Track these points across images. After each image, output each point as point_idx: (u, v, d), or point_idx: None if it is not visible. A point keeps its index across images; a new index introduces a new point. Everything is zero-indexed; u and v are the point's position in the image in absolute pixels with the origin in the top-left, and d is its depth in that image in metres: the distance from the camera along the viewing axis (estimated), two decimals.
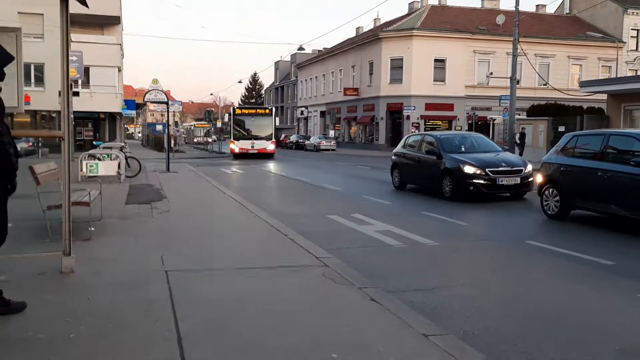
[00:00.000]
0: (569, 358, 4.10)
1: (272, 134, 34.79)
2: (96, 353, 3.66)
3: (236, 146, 34.09)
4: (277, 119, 37.58)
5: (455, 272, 6.55)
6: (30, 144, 31.22)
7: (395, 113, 45.62)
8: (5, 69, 4.52)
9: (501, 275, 6.55)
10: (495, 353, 4.02)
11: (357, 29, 64.61)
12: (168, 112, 23.35)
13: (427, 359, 3.67)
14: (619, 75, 39.96)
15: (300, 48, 50.50)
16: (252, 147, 33.38)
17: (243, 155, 33.48)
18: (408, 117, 43.50)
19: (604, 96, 27.27)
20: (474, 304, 5.30)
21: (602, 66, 48.03)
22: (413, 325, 4.30)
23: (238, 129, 34.82)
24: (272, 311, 4.60)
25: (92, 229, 7.91)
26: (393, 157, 16.27)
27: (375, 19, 62.36)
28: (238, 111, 36.58)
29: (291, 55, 74.12)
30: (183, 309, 4.53)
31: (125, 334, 4.00)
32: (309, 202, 13.23)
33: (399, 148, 16.34)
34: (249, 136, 34.30)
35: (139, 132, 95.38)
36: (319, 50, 67.24)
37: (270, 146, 34.17)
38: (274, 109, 37.02)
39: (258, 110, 37.82)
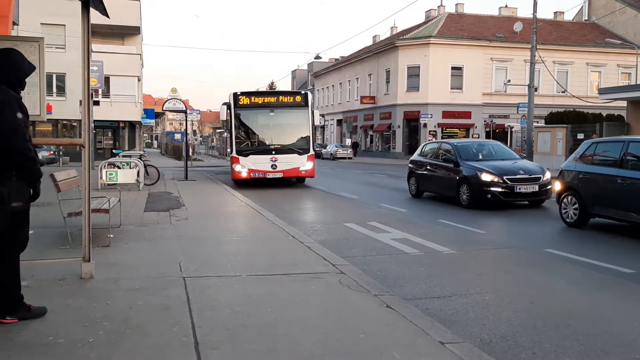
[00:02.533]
0: None
1: (308, 140, 18.87)
2: (114, 357, 3.70)
3: (242, 166, 18.31)
4: (317, 112, 20.11)
5: (472, 280, 6.51)
6: (52, 152, 31.71)
7: (412, 121, 45.51)
8: (28, 79, 4.64)
9: (519, 283, 6.50)
10: None
11: (374, 37, 64.74)
12: (187, 120, 23.58)
13: None
14: (638, 82, 39.48)
15: (317, 57, 50.84)
16: (274, 166, 18.19)
17: (254, 182, 18.88)
18: (425, 125, 43.36)
19: (624, 103, 26.96)
20: (491, 311, 5.27)
21: (622, 73, 47.46)
22: (429, 332, 4.28)
23: (244, 132, 19.08)
24: (288, 317, 4.62)
25: (111, 235, 8.00)
26: (410, 165, 16.24)
27: (392, 27, 62.44)
28: (244, 100, 18.85)
29: (308, 64, 74.45)
30: (200, 315, 4.58)
31: (143, 339, 4.04)
32: (326, 210, 13.25)
33: (415, 156, 16.31)
34: (266, 146, 18.61)
35: (156, 139, 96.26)
36: (336, 59, 67.44)
37: (306, 164, 18.56)
38: (309, 94, 19.81)
39: (282, 97, 19.51)
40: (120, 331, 4.18)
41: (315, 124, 19.54)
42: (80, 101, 6.63)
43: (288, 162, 18.34)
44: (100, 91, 31.30)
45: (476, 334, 4.60)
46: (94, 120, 25.24)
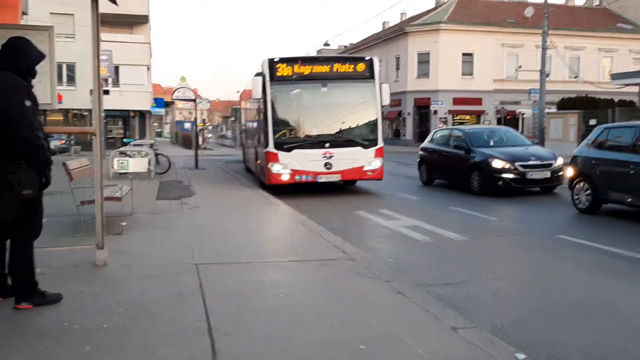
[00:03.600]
0: (600, 351, 4.04)
1: (375, 126, 13.45)
2: (128, 342, 3.74)
3: (283, 165, 12.86)
4: (387, 88, 13.45)
5: (483, 266, 6.50)
6: (63, 141, 31.89)
7: (423, 108, 45.23)
8: (39, 67, 4.65)
9: (531, 269, 6.49)
10: (525, 346, 3.99)
11: (384, 23, 64.26)
12: (196, 109, 23.60)
13: (456, 352, 3.66)
14: None
15: (326, 44, 50.37)
16: (329, 165, 12.81)
17: (297, 187, 13.16)
18: (435, 112, 43.11)
19: (636, 88, 26.64)
20: (503, 297, 5.26)
21: (634, 58, 46.81)
22: (441, 318, 4.29)
23: (284, 117, 13.32)
24: (300, 303, 4.65)
25: (124, 223, 8.06)
26: (420, 152, 16.17)
27: (401, 13, 61.98)
28: (284, 69, 12.96)
29: (317, 51, 74.09)
30: (213, 301, 4.61)
31: (157, 324, 4.08)
32: (336, 198, 13.24)
33: (426, 143, 16.24)
34: (317, 137, 13.08)
35: (168, 132, 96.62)
36: (345, 46, 67.10)
37: (373, 162, 13.30)
38: (375, 61, 13.71)
39: (338, 65, 13.32)
40: (134, 317, 4.22)
41: (385, 103, 13.29)
42: (91, 90, 6.66)
43: (348, 160, 12.77)
44: (110, 80, 31.40)
45: (488, 320, 4.59)
46: (104, 110, 25.36)
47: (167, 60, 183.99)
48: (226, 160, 27.55)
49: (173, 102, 55.12)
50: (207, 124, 71.89)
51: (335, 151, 12.59)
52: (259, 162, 14.66)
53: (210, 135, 68.11)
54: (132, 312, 4.31)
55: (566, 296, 5.33)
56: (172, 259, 6.13)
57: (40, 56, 4.52)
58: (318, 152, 12.55)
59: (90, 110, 27.10)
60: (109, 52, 24.83)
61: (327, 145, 12.62)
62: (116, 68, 33.70)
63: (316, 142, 12.71)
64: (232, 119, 54.00)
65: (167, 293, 4.85)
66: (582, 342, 4.19)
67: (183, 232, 7.85)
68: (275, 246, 6.93)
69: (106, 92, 25.32)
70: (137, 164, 15.15)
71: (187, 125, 36.99)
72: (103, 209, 5.68)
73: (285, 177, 12.59)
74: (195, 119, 24.16)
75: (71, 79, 35.98)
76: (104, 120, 29.20)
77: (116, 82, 36.74)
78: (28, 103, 4.19)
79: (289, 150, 12.58)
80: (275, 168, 12.58)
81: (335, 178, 12.89)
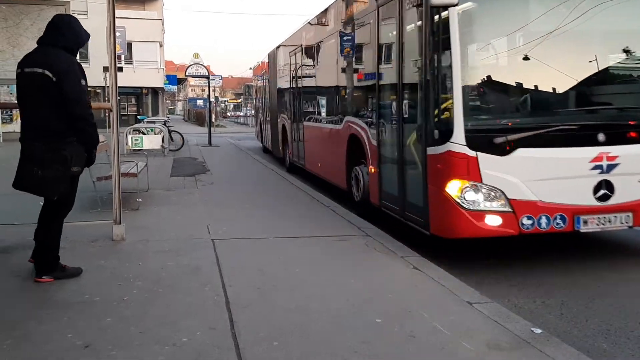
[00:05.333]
0: (618, 326, 4.04)
1: None
2: (148, 315, 3.80)
3: (491, 193, 5.01)
4: None
5: (498, 242, 6.47)
6: None
7: None
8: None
9: (552, 245, 6.44)
10: (541, 321, 4.00)
11: None
12: (209, 86, 23.60)
13: (472, 325, 3.68)
14: None
15: None
16: (605, 189, 5.08)
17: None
18: None
19: None
20: (520, 273, 5.25)
21: None
22: (457, 293, 4.31)
23: (484, 77, 5.35)
24: (316, 278, 4.68)
25: (140, 199, 8.13)
26: None
27: None
28: None
29: None
30: (230, 275, 4.66)
31: (176, 297, 4.14)
32: None
33: None
34: (572, 120, 5.32)
35: (180, 109, 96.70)
36: None
37: None
38: None
39: None
40: (153, 290, 4.28)
41: None
42: (105, 67, 6.67)
43: None
44: (122, 57, 31.36)
45: (504, 295, 4.60)
46: (118, 87, 25.40)
47: (180, 36, 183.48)
48: (239, 137, 27.56)
49: (186, 79, 55.17)
50: (230, 101, 71.70)
51: (619, 151, 5.18)
52: (331, 163, 9.13)
53: (236, 113, 67.82)
54: (152, 286, 4.38)
55: (583, 271, 5.29)
56: (188, 234, 6.19)
57: (88, 36, 4.59)
58: (580, 156, 5.17)
59: (103, 88, 27.21)
60: (121, 28, 24.72)
61: (602, 138, 5.16)
62: (129, 45, 33.63)
63: (575, 130, 5.26)
64: (245, 96, 53.79)
65: (185, 268, 4.90)
66: (599, 317, 4.18)
67: (198, 208, 7.91)
68: (290, 222, 6.95)
69: (119, 69, 25.33)
70: (151, 141, 15.26)
71: (200, 102, 37.01)
72: (120, 184, 5.74)
73: (494, 221, 5.14)
74: (209, 96, 24.17)
75: (84, 56, 35.94)
76: (118, 97, 29.30)
77: (129, 59, 36.72)
78: (83, 82, 4.30)
79: (505, 149, 5.06)
80: (470, 198, 5.08)
81: (620, 219, 5.28)
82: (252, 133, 25.25)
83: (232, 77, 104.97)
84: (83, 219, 6.47)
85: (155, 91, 42.93)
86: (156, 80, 40.31)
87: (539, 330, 3.61)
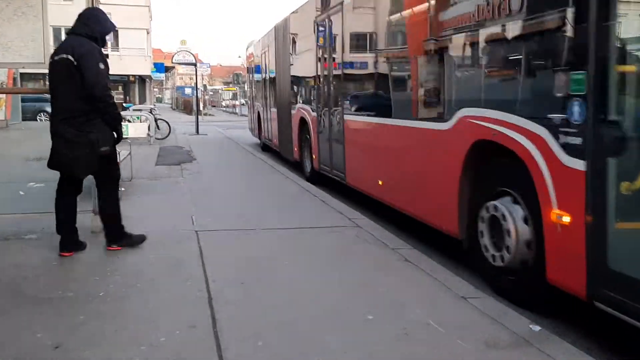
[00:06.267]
0: (619, 324, 3.87)
1: None
2: (125, 312, 3.59)
3: None
4: None
5: None
6: None
7: None
8: (32, 25, 5.22)
9: None
10: (540, 318, 3.83)
11: None
12: (197, 74, 23.24)
13: (467, 322, 3.50)
14: None
15: None
16: None
17: None
18: None
19: None
20: None
21: None
22: (450, 287, 4.13)
23: None
24: (304, 271, 4.48)
25: (123, 189, 7.85)
26: None
27: None
28: None
29: None
30: (214, 269, 4.43)
31: (155, 292, 3.92)
32: None
33: None
34: None
35: (168, 97, 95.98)
36: None
37: None
38: None
39: None
40: (131, 285, 4.06)
41: None
42: None
43: None
44: (109, 44, 30.89)
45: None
46: None
47: (169, 25, 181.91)
48: (227, 126, 27.25)
49: (174, 67, 54.47)
50: (225, 89, 70.92)
51: None
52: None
53: (211, 100, 67.35)
54: (130, 280, 4.15)
55: None
56: (172, 225, 5.95)
57: (113, 26, 5.04)
58: None
59: None
60: (107, 14, 24.34)
61: None
62: (115, 31, 33.17)
63: None
64: (232, 84, 53.29)
65: (167, 260, 4.67)
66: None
67: (183, 198, 7.67)
68: (279, 213, 6.74)
69: (106, 55, 24.95)
70: (136, 129, 14.88)
71: (188, 91, 36.60)
72: None
73: None
74: (196, 84, 23.81)
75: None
76: None
77: (115, 46, 36.21)
78: (102, 66, 4.59)
79: None
80: None
81: None
82: (239, 122, 24.80)
83: (221, 65, 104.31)
84: None
85: (142, 79, 42.44)
86: (144, 68, 39.80)
87: (537, 328, 3.44)
